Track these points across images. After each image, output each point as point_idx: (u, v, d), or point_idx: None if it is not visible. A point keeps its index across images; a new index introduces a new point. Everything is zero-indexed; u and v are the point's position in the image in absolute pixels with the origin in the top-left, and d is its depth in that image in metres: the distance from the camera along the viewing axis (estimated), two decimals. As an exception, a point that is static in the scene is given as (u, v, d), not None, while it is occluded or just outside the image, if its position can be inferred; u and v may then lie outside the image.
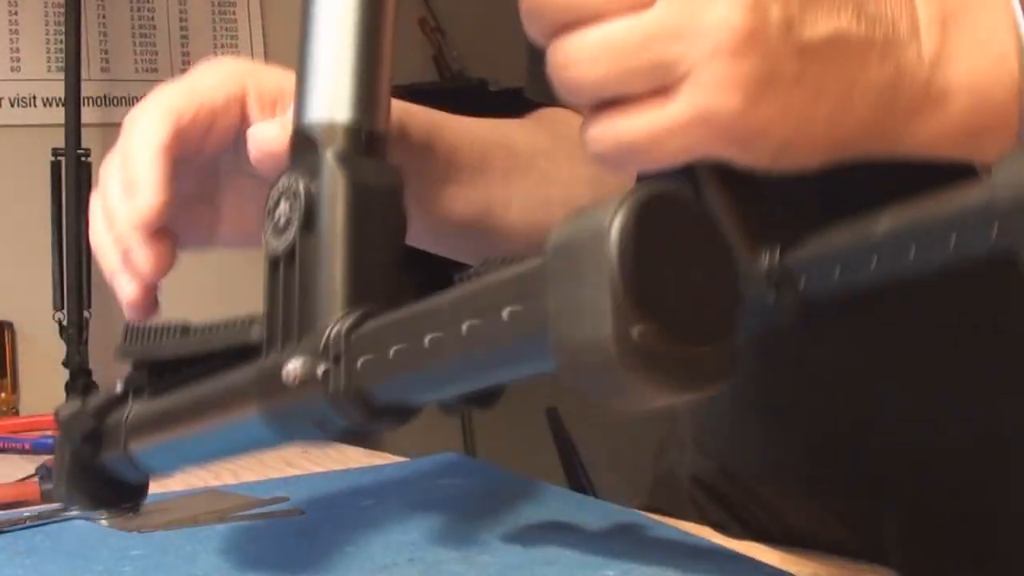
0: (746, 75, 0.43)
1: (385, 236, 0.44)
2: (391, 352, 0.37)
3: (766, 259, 0.44)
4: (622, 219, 0.32)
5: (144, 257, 0.60)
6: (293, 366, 0.40)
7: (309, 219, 0.43)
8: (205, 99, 0.62)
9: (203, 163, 0.65)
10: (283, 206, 0.44)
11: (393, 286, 0.43)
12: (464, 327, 0.35)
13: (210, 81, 0.63)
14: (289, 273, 0.43)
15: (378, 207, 0.44)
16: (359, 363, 0.39)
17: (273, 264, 0.44)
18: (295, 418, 0.42)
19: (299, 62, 0.47)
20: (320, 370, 0.40)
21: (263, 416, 0.42)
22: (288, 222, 0.43)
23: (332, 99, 0.46)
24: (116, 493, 0.57)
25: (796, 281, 0.44)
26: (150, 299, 0.62)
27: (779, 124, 0.44)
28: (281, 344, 0.43)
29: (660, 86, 0.44)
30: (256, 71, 0.64)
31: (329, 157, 0.44)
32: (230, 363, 0.46)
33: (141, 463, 0.52)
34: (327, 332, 0.40)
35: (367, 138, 0.46)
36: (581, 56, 0.44)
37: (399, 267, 0.44)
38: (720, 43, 0.43)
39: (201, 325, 0.51)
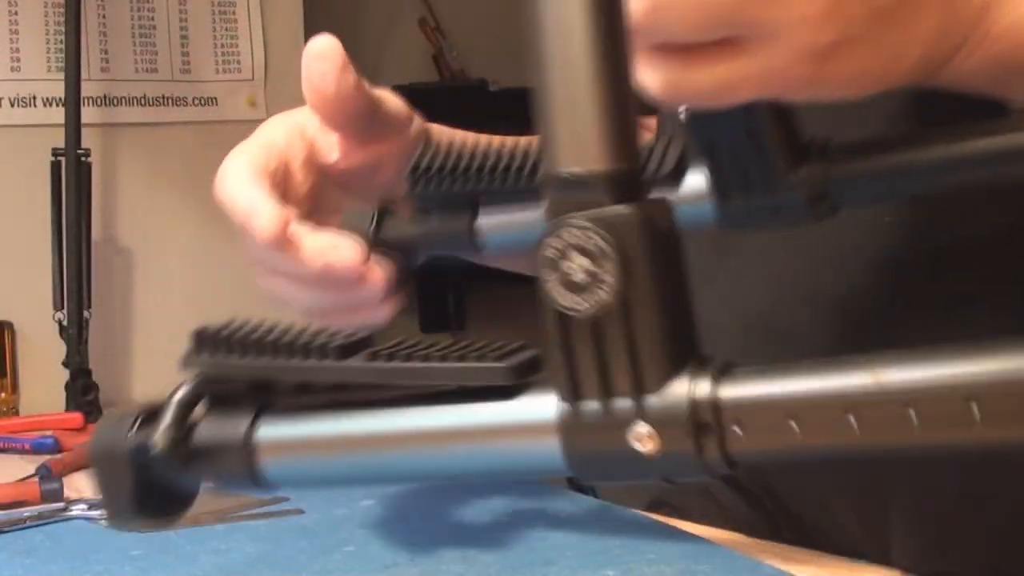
0: (823, 43, 0.45)
1: (686, 280, 0.43)
2: (777, 424, 0.38)
3: (804, 172, 0.47)
4: None
5: (298, 250, 0.61)
6: (646, 430, 0.40)
7: (624, 274, 0.41)
8: (266, 140, 0.66)
9: (305, 208, 0.67)
10: (580, 260, 0.42)
11: (696, 333, 0.42)
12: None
13: (266, 130, 0.68)
14: (600, 329, 0.41)
15: (675, 250, 0.43)
16: (732, 431, 0.39)
17: (572, 320, 0.42)
18: (628, 471, 0.42)
19: (549, 108, 0.44)
20: (686, 438, 0.40)
21: (580, 464, 0.42)
22: (594, 278, 0.41)
23: (601, 144, 0.43)
24: (170, 504, 0.55)
25: (829, 194, 0.47)
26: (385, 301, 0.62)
27: (839, 76, 0.47)
28: (593, 397, 0.42)
29: (738, 38, 0.46)
30: (303, 109, 0.68)
31: (622, 206, 0.42)
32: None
33: (277, 479, 0.51)
34: (684, 396, 0.40)
35: (637, 180, 0.44)
36: (679, 2, 0.45)
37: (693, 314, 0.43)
38: (806, 13, 0.45)
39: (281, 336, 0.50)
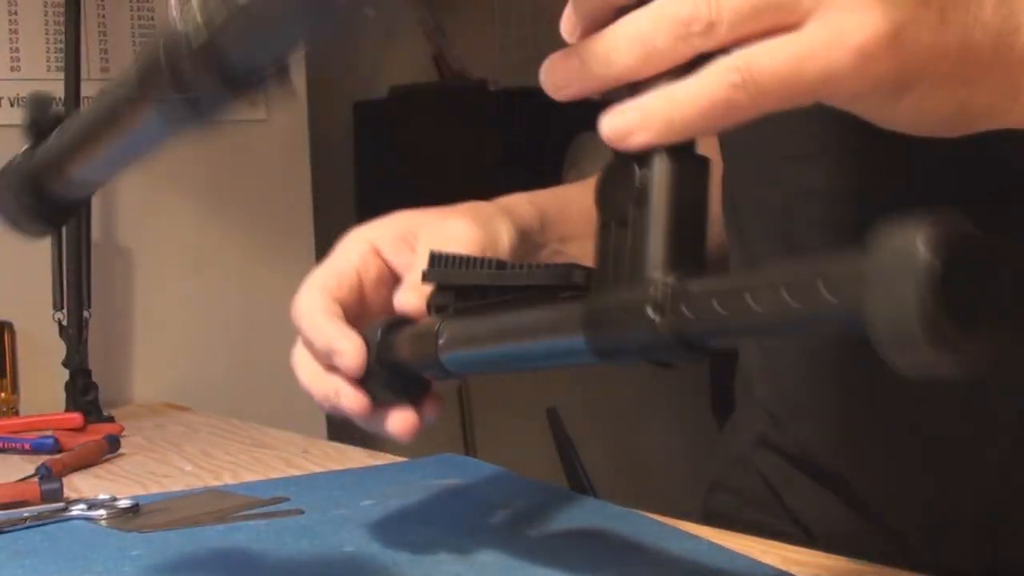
0: (863, 29, 0.44)
1: (699, 208, 0.49)
2: (714, 303, 0.44)
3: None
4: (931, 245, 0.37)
5: (352, 399, 0.63)
6: (626, 307, 0.47)
7: (642, 195, 0.48)
8: (342, 263, 0.68)
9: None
10: (614, 184, 0.50)
11: (702, 253, 0.49)
12: (783, 291, 0.41)
13: (341, 250, 0.69)
14: (620, 235, 0.49)
15: (694, 184, 0.49)
16: (684, 310, 0.45)
17: (605, 225, 0.50)
18: (618, 349, 0.48)
19: None
20: (650, 313, 0.46)
21: (589, 342, 0.49)
22: (624, 196, 0.49)
23: None
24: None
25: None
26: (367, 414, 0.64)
27: (880, 76, 0.45)
28: (609, 288, 0.49)
29: (787, 23, 0.45)
30: (376, 224, 0.70)
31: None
32: (538, 297, 0.53)
33: (452, 368, 0.58)
34: (657, 283, 0.46)
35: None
36: None
37: (704, 235, 0.49)
38: None
39: (511, 264, 0.57)
